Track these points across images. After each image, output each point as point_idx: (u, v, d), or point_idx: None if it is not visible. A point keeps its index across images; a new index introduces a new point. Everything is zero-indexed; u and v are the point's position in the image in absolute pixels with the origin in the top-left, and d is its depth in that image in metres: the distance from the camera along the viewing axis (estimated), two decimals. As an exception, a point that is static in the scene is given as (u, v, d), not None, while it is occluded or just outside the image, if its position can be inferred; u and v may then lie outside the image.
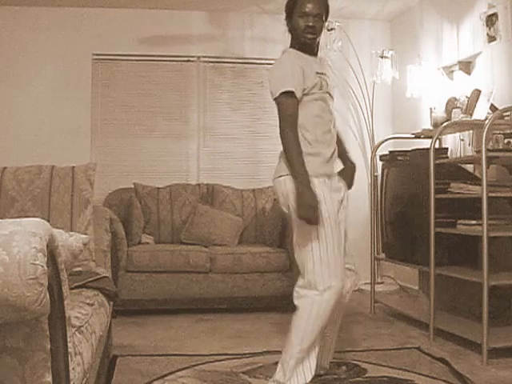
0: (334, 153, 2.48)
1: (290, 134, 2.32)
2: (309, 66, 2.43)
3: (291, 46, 2.52)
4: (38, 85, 4.91)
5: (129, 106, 5.07)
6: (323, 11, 2.46)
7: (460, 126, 3.78)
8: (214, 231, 4.43)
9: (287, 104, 2.34)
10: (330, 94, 2.49)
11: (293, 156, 2.31)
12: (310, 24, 2.41)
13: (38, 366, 1.20)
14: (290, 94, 2.34)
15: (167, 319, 3.88)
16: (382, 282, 4.94)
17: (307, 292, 2.32)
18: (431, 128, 4.07)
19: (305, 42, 2.46)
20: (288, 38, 2.54)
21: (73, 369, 1.33)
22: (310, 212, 2.24)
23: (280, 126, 2.37)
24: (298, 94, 2.36)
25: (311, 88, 2.39)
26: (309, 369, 2.33)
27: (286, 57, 2.48)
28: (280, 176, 2.40)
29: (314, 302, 2.30)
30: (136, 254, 4.04)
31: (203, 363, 2.82)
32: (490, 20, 3.77)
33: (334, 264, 2.32)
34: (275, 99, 2.38)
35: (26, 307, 1.06)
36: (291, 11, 2.46)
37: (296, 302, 2.38)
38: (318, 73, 2.44)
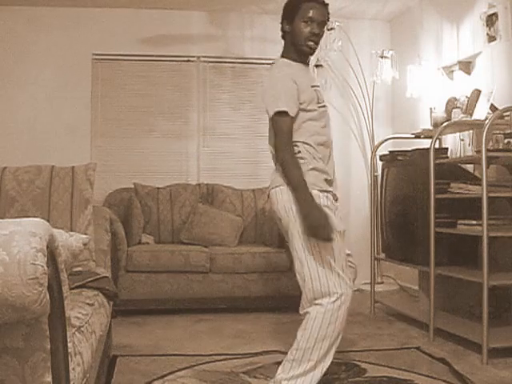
0: (333, 172, 2.44)
1: (286, 151, 2.26)
2: (303, 78, 2.34)
3: (284, 54, 2.42)
4: (38, 85, 4.90)
5: (129, 106, 5.07)
6: (326, 19, 2.37)
7: (460, 126, 3.77)
8: (214, 231, 4.43)
9: (281, 122, 2.27)
10: (325, 106, 2.42)
11: (292, 174, 2.24)
12: (316, 31, 2.31)
13: (37, 366, 1.20)
14: (284, 113, 2.26)
15: (167, 319, 3.89)
16: (382, 282, 4.94)
17: (320, 301, 2.25)
18: (431, 128, 4.07)
19: (305, 50, 2.36)
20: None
21: (73, 369, 1.33)
22: (320, 232, 2.17)
23: (275, 144, 2.32)
24: (293, 112, 2.28)
25: (308, 103, 2.32)
26: (313, 381, 2.25)
27: (279, 71, 2.36)
28: (279, 185, 2.32)
29: (326, 309, 2.24)
30: (136, 254, 4.04)
31: (203, 363, 2.83)
32: (490, 20, 3.77)
33: (343, 272, 2.29)
34: (270, 118, 2.31)
35: (25, 307, 1.06)
36: (293, 15, 2.33)
37: (305, 310, 2.29)
38: (313, 86, 2.37)
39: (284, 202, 2.31)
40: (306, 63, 2.45)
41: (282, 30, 2.41)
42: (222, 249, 4.25)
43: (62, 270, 1.24)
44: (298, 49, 2.37)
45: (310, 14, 2.30)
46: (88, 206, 2.61)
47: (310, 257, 2.27)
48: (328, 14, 2.39)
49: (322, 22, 2.34)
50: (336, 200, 2.44)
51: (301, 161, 2.31)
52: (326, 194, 2.34)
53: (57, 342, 1.21)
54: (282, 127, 2.28)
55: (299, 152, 2.31)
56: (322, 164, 2.35)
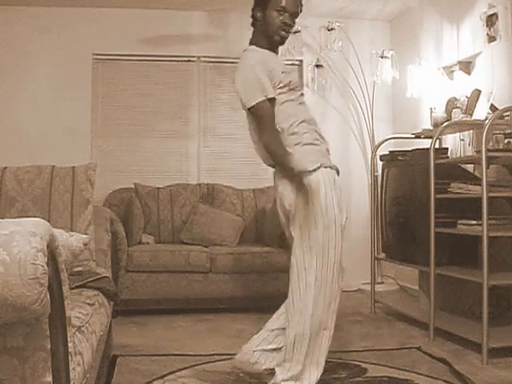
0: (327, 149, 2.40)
1: (273, 132, 2.26)
2: (275, 65, 2.33)
3: (253, 42, 2.40)
4: (38, 85, 4.90)
5: (129, 106, 5.08)
6: (299, 10, 2.37)
7: (460, 126, 3.78)
8: (214, 231, 4.43)
9: (262, 109, 2.25)
10: (299, 91, 2.40)
11: (278, 150, 2.25)
12: (287, 21, 2.32)
13: (38, 366, 1.20)
14: (262, 101, 2.25)
15: (167, 319, 3.88)
16: (382, 282, 4.94)
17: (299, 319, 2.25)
18: (431, 128, 4.07)
19: (276, 39, 2.35)
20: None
21: (73, 369, 1.33)
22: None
23: (260, 128, 2.29)
24: (271, 93, 2.26)
25: (279, 84, 2.29)
26: (312, 380, 2.26)
27: (252, 56, 2.34)
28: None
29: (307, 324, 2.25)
30: (136, 254, 4.04)
31: (203, 363, 2.83)
32: (490, 20, 3.77)
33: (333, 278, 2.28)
34: (249, 108, 2.29)
35: (26, 307, 1.06)
36: (266, 2, 2.33)
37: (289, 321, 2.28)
38: (283, 72, 2.34)
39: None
40: (275, 52, 2.43)
41: (253, 17, 2.41)
42: (222, 249, 4.25)
43: (62, 270, 1.24)
44: (269, 37, 2.36)
45: (283, 3, 2.31)
46: (88, 206, 2.61)
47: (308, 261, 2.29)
48: (301, 5, 2.39)
49: (295, 13, 2.35)
50: (338, 173, 2.39)
51: (292, 136, 2.29)
52: (329, 169, 2.30)
53: (57, 341, 1.21)
54: (264, 111, 2.26)
55: (294, 133, 2.29)
56: (314, 139, 2.32)
